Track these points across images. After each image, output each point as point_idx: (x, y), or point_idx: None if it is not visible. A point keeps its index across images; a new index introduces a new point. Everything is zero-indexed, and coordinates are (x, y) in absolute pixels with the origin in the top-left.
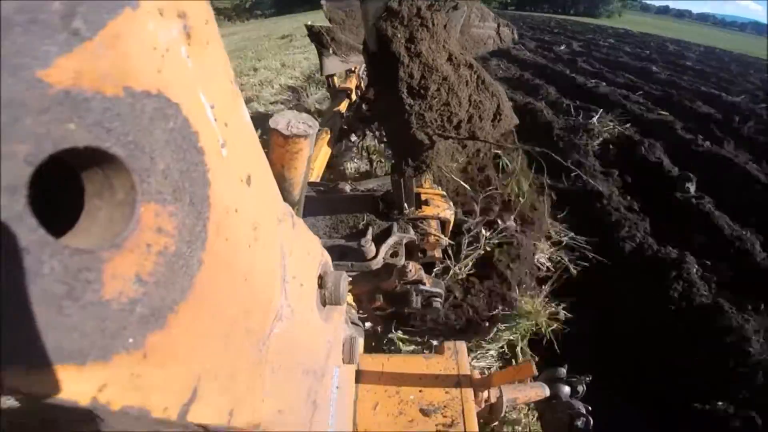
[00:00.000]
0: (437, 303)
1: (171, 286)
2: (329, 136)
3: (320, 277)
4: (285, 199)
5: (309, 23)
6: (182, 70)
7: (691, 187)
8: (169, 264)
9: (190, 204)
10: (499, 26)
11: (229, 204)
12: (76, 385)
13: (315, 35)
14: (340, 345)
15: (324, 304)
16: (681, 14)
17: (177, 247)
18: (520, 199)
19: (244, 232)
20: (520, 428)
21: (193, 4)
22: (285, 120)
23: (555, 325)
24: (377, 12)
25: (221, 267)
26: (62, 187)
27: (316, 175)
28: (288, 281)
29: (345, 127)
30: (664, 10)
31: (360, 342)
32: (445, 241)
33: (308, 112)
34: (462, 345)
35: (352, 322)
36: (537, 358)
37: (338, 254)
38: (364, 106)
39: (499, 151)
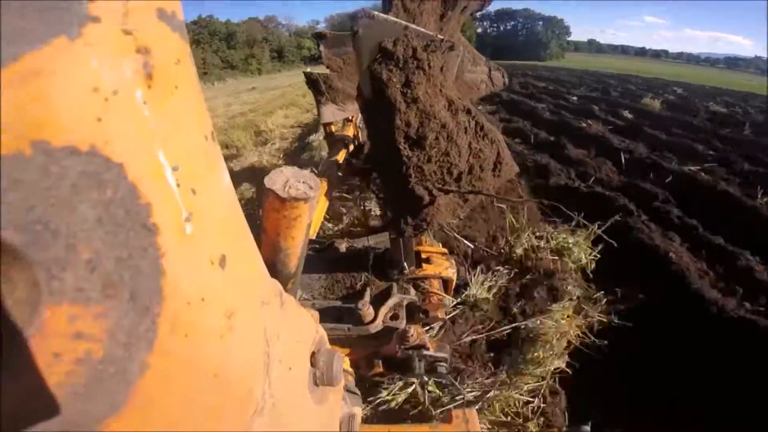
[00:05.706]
0: (442, 368)
1: (96, 397)
2: (326, 186)
3: (313, 354)
4: (278, 272)
5: (308, 70)
6: (134, 119)
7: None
8: (93, 373)
9: (131, 300)
10: (490, 70)
11: (191, 294)
12: None
13: (312, 82)
14: (336, 426)
15: (317, 384)
16: (658, 54)
17: (107, 352)
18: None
19: (213, 324)
20: None
21: (161, 38)
22: (282, 179)
23: None
24: (372, 54)
25: (178, 367)
26: None
27: (312, 231)
28: (273, 368)
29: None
30: (642, 52)
31: (358, 413)
32: (449, 300)
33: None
34: (473, 413)
35: (349, 390)
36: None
37: (334, 317)
38: (359, 159)
39: (502, 205)
